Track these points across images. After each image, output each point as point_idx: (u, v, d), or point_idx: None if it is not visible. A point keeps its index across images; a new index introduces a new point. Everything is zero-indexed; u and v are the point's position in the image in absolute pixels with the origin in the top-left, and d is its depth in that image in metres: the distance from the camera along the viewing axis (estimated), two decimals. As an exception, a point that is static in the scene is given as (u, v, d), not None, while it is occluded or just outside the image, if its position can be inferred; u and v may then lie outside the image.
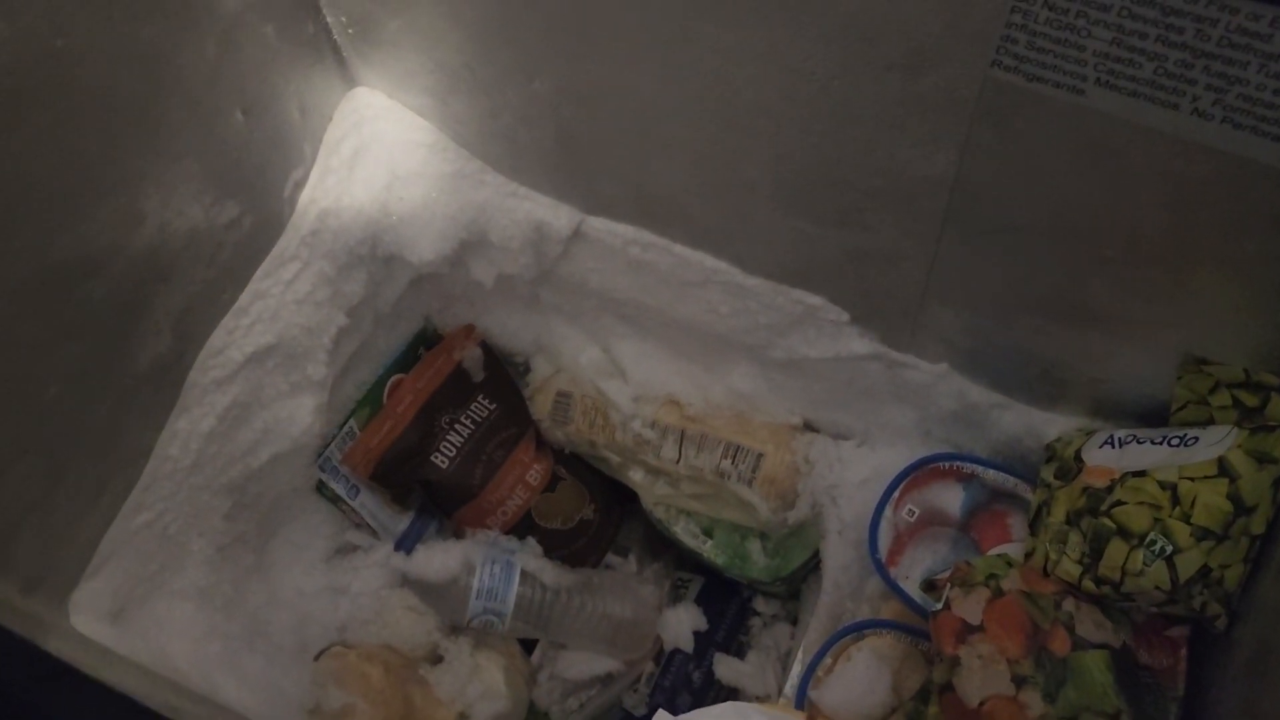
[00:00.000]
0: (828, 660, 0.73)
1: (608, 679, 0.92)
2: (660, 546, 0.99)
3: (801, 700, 0.71)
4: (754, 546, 0.91)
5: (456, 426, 0.91)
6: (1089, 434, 0.70)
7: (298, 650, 0.82)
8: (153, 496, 0.70)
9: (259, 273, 0.74)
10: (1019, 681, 0.61)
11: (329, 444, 0.87)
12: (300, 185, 0.76)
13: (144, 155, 0.61)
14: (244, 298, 0.73)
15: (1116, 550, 0.61)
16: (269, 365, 0.76)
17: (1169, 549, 0.59)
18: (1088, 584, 0.63)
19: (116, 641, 0.68)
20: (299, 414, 0.80)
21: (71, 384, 0.61)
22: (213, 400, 0.73)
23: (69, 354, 0.61)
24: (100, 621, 0.68)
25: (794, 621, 0.96)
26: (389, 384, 0.91)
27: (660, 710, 0.53)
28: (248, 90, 0.68)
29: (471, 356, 0.93)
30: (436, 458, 0.90)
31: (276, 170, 0.74)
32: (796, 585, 0.93)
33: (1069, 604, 0.63)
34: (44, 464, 0.61)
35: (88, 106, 0.57)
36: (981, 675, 0.62)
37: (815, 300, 0.75)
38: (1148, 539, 0.60)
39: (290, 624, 0.83)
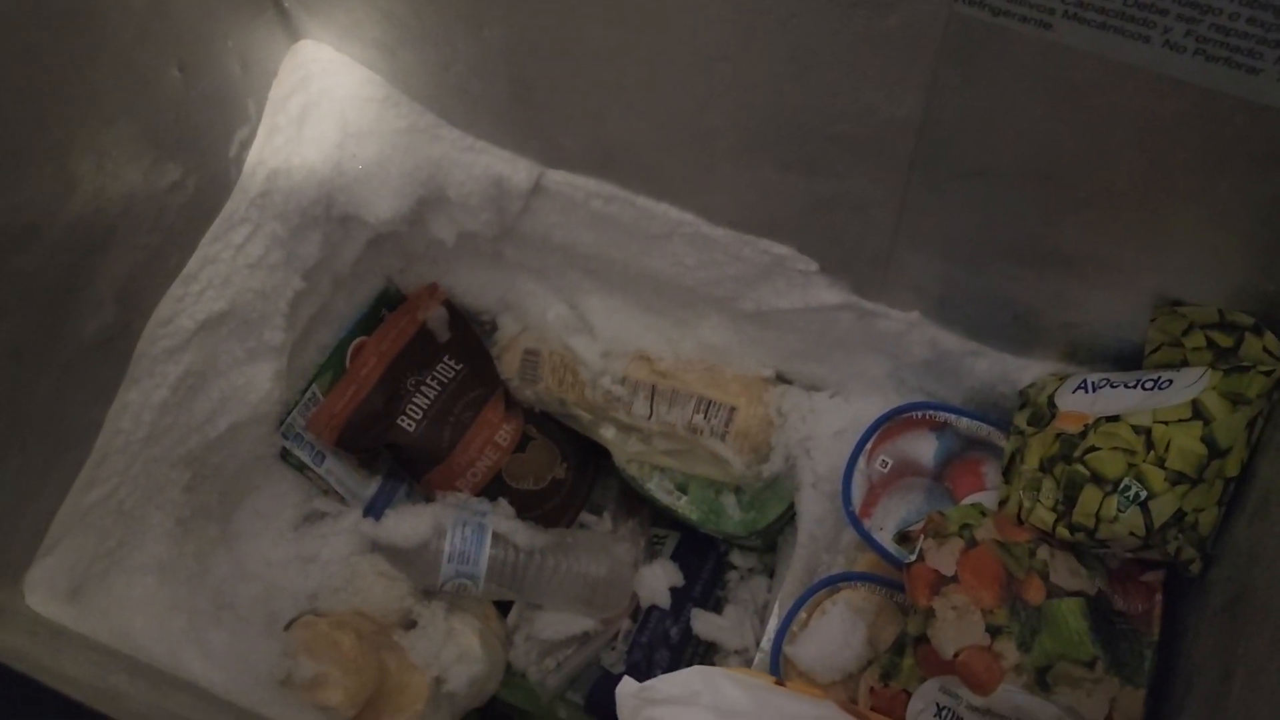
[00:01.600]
0: (802, 615, 0.72)
1: (585, 638, 0.91)
2: (635, 503, 0.98)
3: (777, 657, 0.71)
4: (729, 501, 0.90)
5: (423, 388, 0.89)
6: (1062, 379, 0.69)
7: (267, 621, 0.81)
8: (106, 471, 0.68)
9: (207, 237, 0.72)
10: (993, 631, 0.61)
11: (291, 410, 0.85)
12: (246, 145, 0.73)
13: (73, 118, 0.58)
14: (192, 263, 0.71)
15: (1090, 497, 0.60)
16: (223, 332, 0.74)
17: (1143, 494, 0.58)
18: (1062, 531, 0.62)
19: (75, 620, 0.66)
20: (257, 381, 0.78)
21: (9, 360, 0.59)
22: (164, 370, 0.70)
23: (3, 329, 0.58)
24: (57, 600, 0.66)
25: (771, 574, 0.95)
26: (351, 347, 0.89)
27: (625, 676, 0.52)
28: (183, 45, 0.65)
29: (436, 316, 0.91)
30: (403, 421, 0.88)
31: (220, 130, 0.71)
32: (772, 538, 0.93)
33: (1043, 552, 0.63)
34: (-15, 443, 0.59)
35: (7, 69, 0.54)
36: (956, 626, 0.61)
37: (783, 250, 0.73)
38: (1121, 485, 0.59)
39: (258, 595, 0.82)
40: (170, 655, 0.70)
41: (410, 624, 0.87)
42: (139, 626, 0.70)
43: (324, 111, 0.76)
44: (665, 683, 0.49)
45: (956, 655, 0.61)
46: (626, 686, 0.50)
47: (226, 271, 0.73)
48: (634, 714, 0.48)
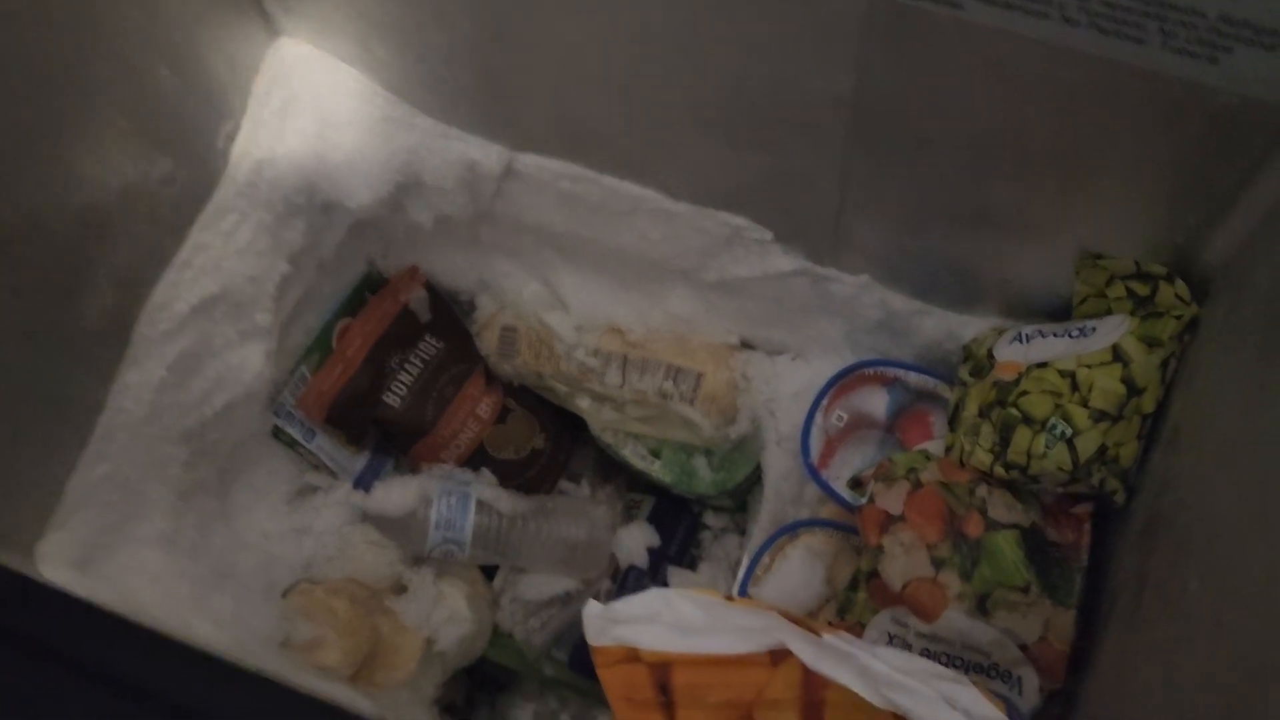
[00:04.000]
0: (766, 560, 0.77)
1: (567, 598, 0.96)
2: (611, 470, 1.03)
3: (743, 598, 0.76)
4: (700, 463, 0.95)
5: (406, 366, 0.94)
6: (1001, 332, 0.75)
7: (265, 589, 0.86)
8: (110, 448, 0.72)
9: (198, 225, 0.76)
10: (938, 564, 0.66)
11: (282, 390, 0.90)
12: (232, 138, 0.78)
13: (75, 117, 0.63)
14: (185, 250, 0.75)
15: (1022, 437, 0.66)
16: (216, 315, 0.78)
17: (1069, 432, 0.64)
18: (999, 470, 0.68)
19: (87, 589, 0.70)
20: (250, 361, 0.82)
21: (20, 343, 0.63)
22: (162, 352, 0.75)
23: (14, 314, 0.63)
24: (69, 570, 0.70)
25: (742, 532, 1.00)
26: (337, 329, 0.94)
27: (590, 600, 0.57)
28: (172, 46, 0.70)
29: (417, 298, 0.96)
30: (388, 397, 0.93)
31: (207, 124, 0.75)
32: (742, 497, 0.98)
33: (982, 490, 0.68)
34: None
35: (16, 73, 0.58)
36: (904, 560, 0.67)
37: (740, 221, 0.78)
38: (1049, 424, 0.65)
39: (256, 565, 0.87)
40: (178, 621, 0.75)
41: (401, 589, 0.92)
42: (147, 595, 0.75)
43: (304, 105, 0.81)
44: (628, 604, 0.54)
45: (905, 587, 0.66)
46: (592, 608, 0.55)
47: (217, 257, 0.77)
48: (600, 632, 0.53)
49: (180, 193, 0.74)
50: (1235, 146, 0.54)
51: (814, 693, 0.50)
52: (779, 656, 0.51)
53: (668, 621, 0.53)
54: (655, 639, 0.52)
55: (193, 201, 0.75)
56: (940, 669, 0.51)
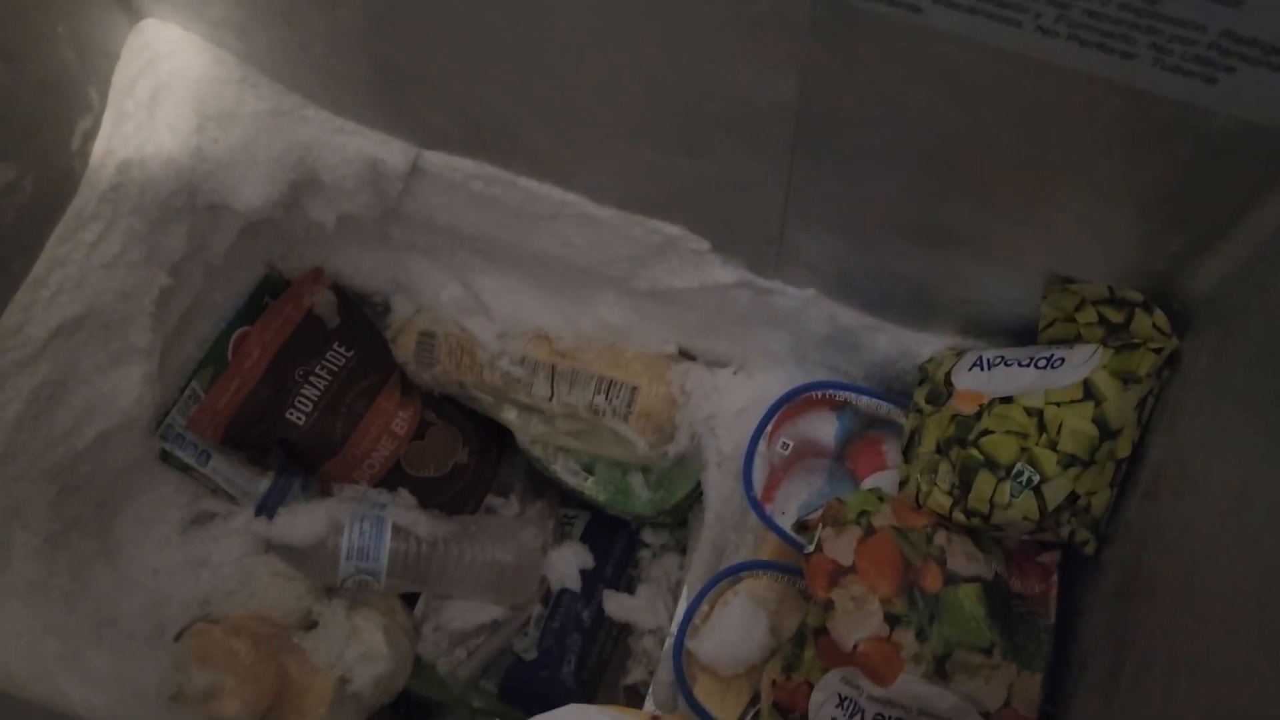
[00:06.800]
0: (704, 608, 0.71)
1: (495, 625, 0.89)
2: (543, 484, 0.96)
3: (679, 653, 0.69)
4: (636, 480, 0.88)
5: (311, 379, 0.85)
6: (960, 354, 0.68)
7: (155, 634, 0.78)
8: (-42, 496, 0.64)
9: (54, 238, 0.67)
10: (892, 621, 0.59)
11: (169, 411, 0.81)
12: (91, 136, 0.68)
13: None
14: (39, 268, 0.66)
15: (984, 482, 0.59)
16: (80, 338, 0.69)
17: (1036, 478, 0.57)
18: (958, 516, 0.61)
19: (-65, 656, 0.62)
20: (125, 385, 0.73)
21: None
22: (16, 384, 0.66)
23: None
24: (-87, 636, 0.62)
25: (683, 550, 0.94)
26: (233, 339, 0.85)
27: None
28: (4, 35, 0.59)
29: (323, 301, 0.87)
30: (292, 414, 0.84)
31: (57, 121, 0.65)
32: (683, 515, 0.91)
33: (940, 537, 0.62)
34: None
35: None
36: (855, 617, 0.60)
37: (673, 230, 0.70)
38: (1014, 470, 0.58)
39: (145, 606, 0.78)
40: (45, 684, 0.67)
41: (311, 624, 0.84)
42: (8, 656, 0.66)
43: (177, 95, 0.71)
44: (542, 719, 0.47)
45: (856, 647, 0.60)
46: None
47: (79, 273, 0.68)
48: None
49: (28, 203, 0.64)
50: (1229, 173, 0.47)
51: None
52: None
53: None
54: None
55: (45, 212, 0.66)
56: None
